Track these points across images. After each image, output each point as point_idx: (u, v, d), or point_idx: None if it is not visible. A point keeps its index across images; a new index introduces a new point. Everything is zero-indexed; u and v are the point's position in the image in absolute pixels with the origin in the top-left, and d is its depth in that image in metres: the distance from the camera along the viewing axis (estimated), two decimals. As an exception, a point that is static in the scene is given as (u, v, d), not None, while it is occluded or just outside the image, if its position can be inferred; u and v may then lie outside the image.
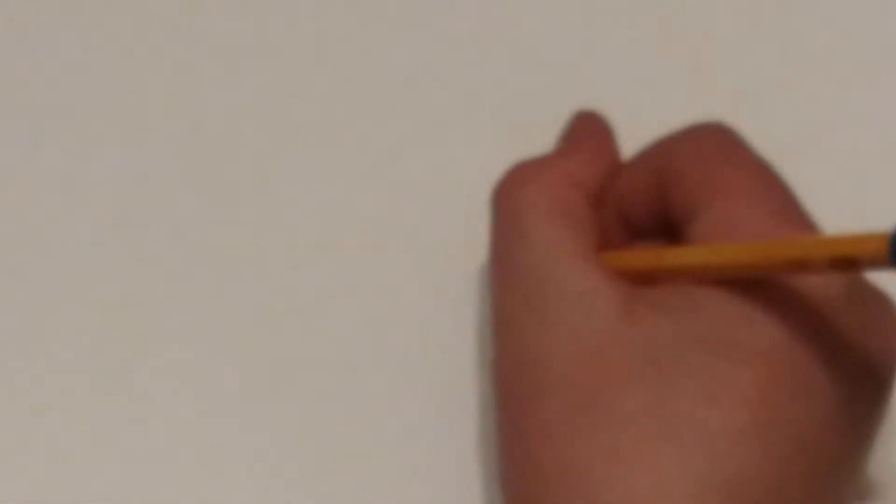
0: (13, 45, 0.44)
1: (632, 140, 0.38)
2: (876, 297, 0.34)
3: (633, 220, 0.36)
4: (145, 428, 0.39)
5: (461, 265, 0.40)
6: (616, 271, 0.34)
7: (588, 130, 0.39)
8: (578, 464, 0.32)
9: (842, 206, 0.38)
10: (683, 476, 0.31)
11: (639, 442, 0.32)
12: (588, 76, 0.43)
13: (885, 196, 0.41)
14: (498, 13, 0.44)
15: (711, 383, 0.32)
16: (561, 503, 0.32)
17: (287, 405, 0.39)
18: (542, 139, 0.39)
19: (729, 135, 0.36)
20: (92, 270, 0.41)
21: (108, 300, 0.40)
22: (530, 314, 0.34)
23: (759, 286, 0.32)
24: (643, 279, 0.34)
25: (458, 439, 0.38)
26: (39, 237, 0.41)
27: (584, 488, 0.32)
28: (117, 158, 0.43)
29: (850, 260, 0.30)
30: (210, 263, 0.41)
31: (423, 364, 0.39)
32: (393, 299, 0.40)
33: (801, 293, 0.32)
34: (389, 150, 0.42)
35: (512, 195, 0.36)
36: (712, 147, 0.35)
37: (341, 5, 0.44)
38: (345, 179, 0.42)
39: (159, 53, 0.44)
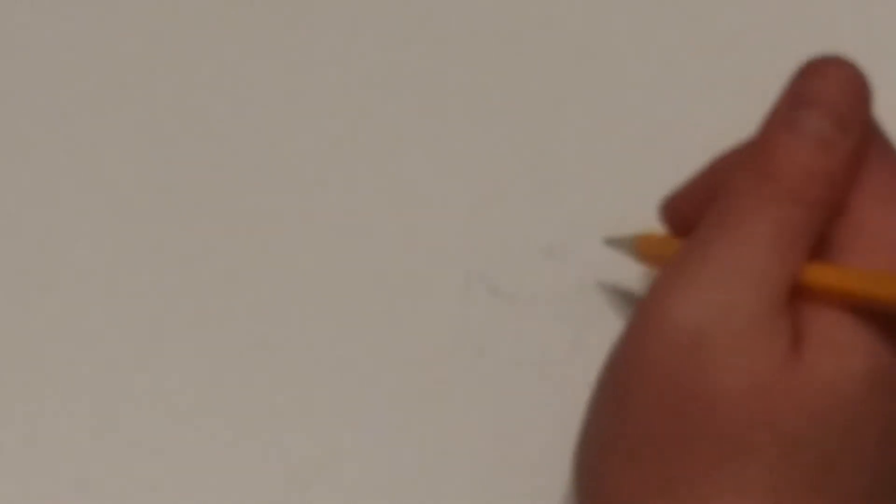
0: (13, 44, 0.44)
1: (635, 142, 0.38)
2: None
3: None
4: (147, 426, 0.39)
5: (461, 265, 0.40)
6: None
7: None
8: None
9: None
10: None
11: None
12: (588, 76, 0.43)
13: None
14: (498, 13, 0.45)
15: None
16: None
17: (287, 404, 0.39)
18: (542, 139, 0.39)
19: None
20: (95, 269, 0.41)
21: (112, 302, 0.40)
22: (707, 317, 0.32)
23: None
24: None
25: (457, 439, 0.38)
26: (39, 237, 0.41)
27: None
28: (123, 157, 0.43)
29: None
30: (210, 264, 0.41)
31: (424, 363, 0.39)
32: (393, 299, 0.41)
33: None
34: (388, 150, 0.42)
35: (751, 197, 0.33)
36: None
37: (342, 5, 0.44)
38: (344, 178, 0.42)
39: (160, 55, 0.44)
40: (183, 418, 0.39)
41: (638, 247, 0.37)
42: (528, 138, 0.40)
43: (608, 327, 0.37)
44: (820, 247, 0.33)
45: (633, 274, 0.40)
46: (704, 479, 0.31)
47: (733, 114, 0.42)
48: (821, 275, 0.32)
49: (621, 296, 0.40)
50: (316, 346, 0.40)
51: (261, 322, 0.40)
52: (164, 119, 0.43)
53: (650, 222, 0.38)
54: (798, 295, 0.32)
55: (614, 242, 0.38)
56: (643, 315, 0.33)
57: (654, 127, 0.38)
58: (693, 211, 0.34)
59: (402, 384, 0.39)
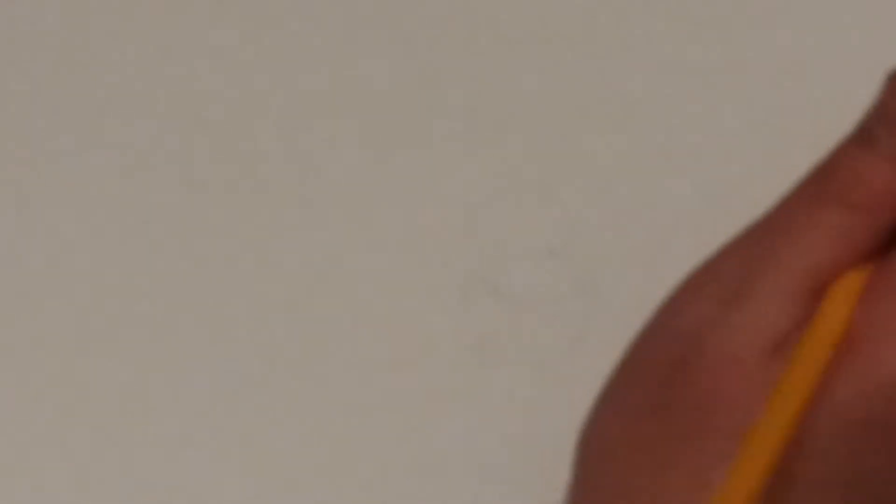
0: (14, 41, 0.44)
1: (635, 143, 0.38)
2: None
3: None
4: (146, 424, 0.39)
5: (461, 265, 0.40)
6: None
7: None
8: None
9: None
10: None
11: None
12: (589, 76, 0.43)
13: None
14: (498, 13, 0.45)
15: None
16: None
17: (285, 405, 0.39)
18: (542, 139, 0.39)
19: None
20: (92, 267, 0.41)
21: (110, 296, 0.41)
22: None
23: None
24: None
25: (457, 439, 0.38)
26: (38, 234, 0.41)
27: None
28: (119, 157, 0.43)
29: None
30: (210, 266, 0.41)
31: (424, 364, 0.39)
32: (393, 299, 0.40)
33: None
34: (388, 150, 0.42)
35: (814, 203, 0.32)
36: None
37: (343, 4, 0.45)
38: (344, 178, 0.42)
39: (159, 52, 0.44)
40: (179, 419, 0.39)
41: None
42: (529, 138, 0.40)
43: (608, 327, 0.37)
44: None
45: (633, 273, 0.40)
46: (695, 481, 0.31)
47: (734, 114, 0.42)
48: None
49: (621, 296, 0.40)
50: (315, 346, 0.40)
51: (260, 323, 0.40)
52: (167, 125, 0.43)
53: (650, 222, 0.38)
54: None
55: None
56: (657, 310, 0.33)
57: (655, 127, 0.38)
58: None
59: (402, 384, 0.39)
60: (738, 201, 0.36)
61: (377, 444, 0.39)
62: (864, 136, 0.33)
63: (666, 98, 0.43)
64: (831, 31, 0.43)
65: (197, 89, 0.44)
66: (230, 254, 0.41)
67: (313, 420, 0.39)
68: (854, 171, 0.32)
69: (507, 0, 0.44)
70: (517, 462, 0.38)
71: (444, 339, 0.39)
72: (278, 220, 0.41)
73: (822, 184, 0.32)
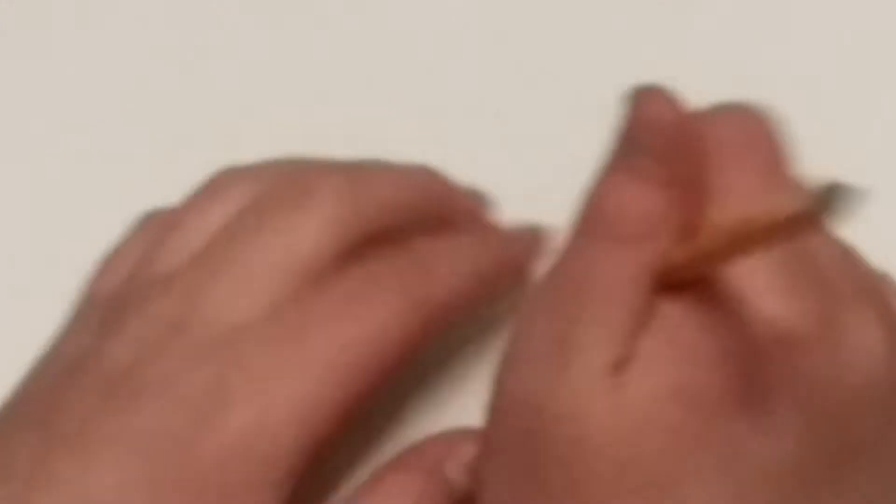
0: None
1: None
2: None
3: None
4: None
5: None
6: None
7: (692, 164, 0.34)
8: None
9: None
10: None
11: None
12: (590, 76, 0.43)
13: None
14: (499, 13, 0.45)
15: None
16: None
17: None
18: (543, 139, 0.39)
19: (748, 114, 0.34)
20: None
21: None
22: (553, 346, 0.33)
23: None
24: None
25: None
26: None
27: None
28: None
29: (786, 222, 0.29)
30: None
31: (425, 364, 0.40)
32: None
33: None
34: (388, 150, 0.43)
35: (605, 240, 0.33)
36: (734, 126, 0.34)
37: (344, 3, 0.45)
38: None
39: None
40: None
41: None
42: (529, 138, 0.40)
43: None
44: None
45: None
46: None
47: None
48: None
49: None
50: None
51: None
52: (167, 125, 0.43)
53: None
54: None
55: None
56: (495, 390, 0.34)
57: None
58: None
59: (402, 385, 0.39)
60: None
61: (377, 444, 0.39)
62: (629, 166, 0.33)
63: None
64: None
65: (197, 87, 0.44)
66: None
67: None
68: (621, 204, 0.33)
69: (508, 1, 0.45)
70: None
71: (444, 339, 0.39)
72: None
73: (594, 221, 0.33)
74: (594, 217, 0.34)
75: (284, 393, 0.35)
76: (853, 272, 0.33)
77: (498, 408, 0.33)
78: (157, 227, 0.39)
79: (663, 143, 0.33)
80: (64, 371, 0.36)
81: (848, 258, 0.34)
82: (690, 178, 0.33)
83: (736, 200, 0.33)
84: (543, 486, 0.32)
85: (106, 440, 0.34)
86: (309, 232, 0.36)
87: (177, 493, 0.34)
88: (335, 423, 0.35)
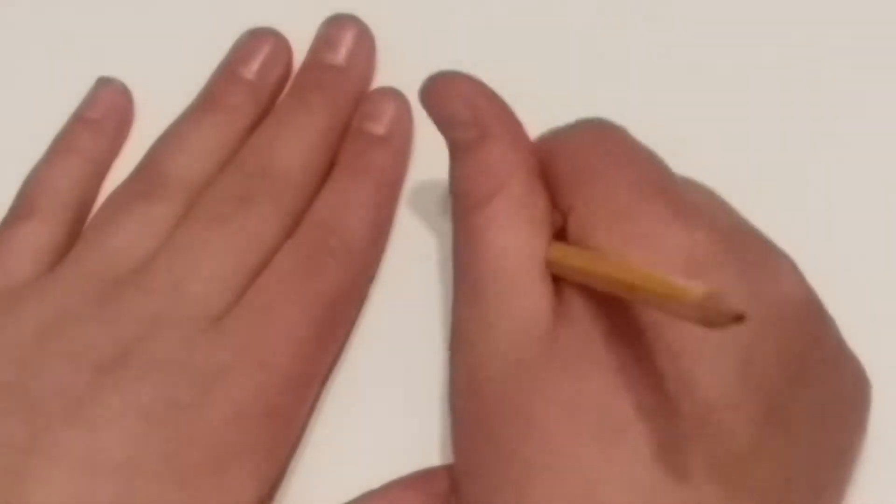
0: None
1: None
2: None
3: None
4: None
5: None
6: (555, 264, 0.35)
7: (497, 109, 0.38)
8: (508, 470, 0.33)
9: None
10: (607, 469, 0.32)
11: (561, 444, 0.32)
12: (591, 77, 0.43)
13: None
14: (501, 12, 0.45)
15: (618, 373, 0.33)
16: None
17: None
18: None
19: (606, 128, 0.36)
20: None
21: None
22: (480, 325, 0.35)
23: None
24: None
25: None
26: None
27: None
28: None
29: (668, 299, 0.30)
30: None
31: (424, 364, 0.39)
32: (394, 299, 0.41)
33: None
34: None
35: (476, 212, 0.36)
36: (587, 141, 0.36)
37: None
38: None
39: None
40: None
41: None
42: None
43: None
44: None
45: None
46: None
47: (735, 115, 0.42)
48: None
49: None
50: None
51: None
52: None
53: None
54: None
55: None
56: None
57: (656, 127, 0.39)
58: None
59: (402, 385, 0.39)
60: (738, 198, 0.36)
61: (377, 444, 0.38)
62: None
63: (669, 98, 0.43)
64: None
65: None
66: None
67: (314, 418, 0.39)
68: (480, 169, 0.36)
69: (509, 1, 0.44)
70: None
71: (444, 339, 0.39)
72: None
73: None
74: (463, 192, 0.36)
75: (276, 360, 0.37)
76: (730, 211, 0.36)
77: (453, 394, 0.36)
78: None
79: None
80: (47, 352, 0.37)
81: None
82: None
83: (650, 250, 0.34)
84: (501, 447, 0.33)
85: (111, 413, 0.35)
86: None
87: (190, 451, 0.35)
88: (322, 370, 0.39)
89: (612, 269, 0.33)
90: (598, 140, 0.36)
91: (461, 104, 0.37)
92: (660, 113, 0.41)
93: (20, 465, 0.35)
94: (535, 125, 0.37)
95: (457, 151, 0.37)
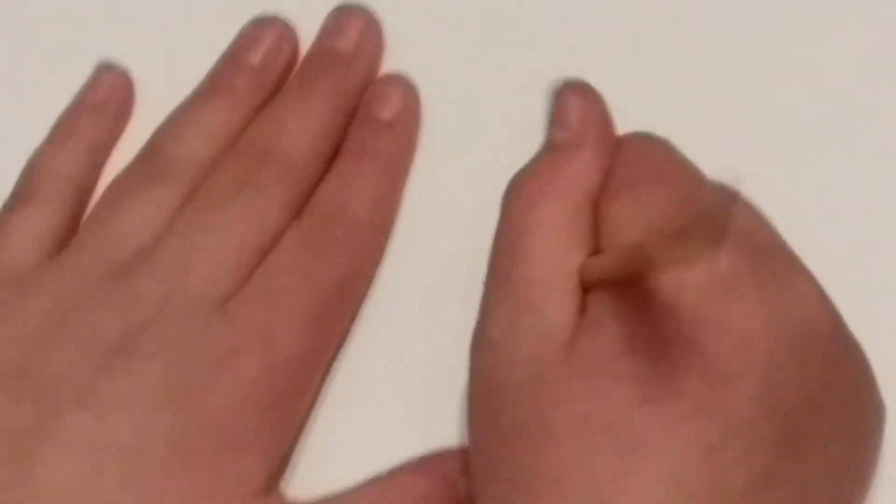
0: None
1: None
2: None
3: None
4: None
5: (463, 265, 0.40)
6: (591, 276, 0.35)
7: (591, 117, 0.39)
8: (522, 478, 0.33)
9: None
10: (619, 481, 0.32)
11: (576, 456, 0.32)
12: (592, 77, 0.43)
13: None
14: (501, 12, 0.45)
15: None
16: None
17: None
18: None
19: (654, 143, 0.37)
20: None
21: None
22: (504, 326, 0.35)
23: None
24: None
25: (459, 439, 0.38)
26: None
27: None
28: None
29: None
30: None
31: (425, 364, 0.39)
32: (394, 299, 0.41)
33: None
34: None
35: (527, 212, 0.36)
36: (638, 152, 0.37)
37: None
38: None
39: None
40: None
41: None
42: (529, 140, 0.40)
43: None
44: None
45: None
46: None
47: (735, 115, 0.42)
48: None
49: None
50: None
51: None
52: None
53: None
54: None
55: None
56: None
57: (656, 127, 0.39)
58: None
59: (402, 385, 0.39)
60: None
61: (378, 444, 0.38)
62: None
63: (669, 98, 0.43)
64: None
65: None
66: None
67: (315, 418, 0.39)
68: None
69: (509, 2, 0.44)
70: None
71: (445, 340, 0.39)
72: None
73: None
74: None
75: (283, 343, 0.37)
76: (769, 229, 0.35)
77: (470, 390, 0.36)
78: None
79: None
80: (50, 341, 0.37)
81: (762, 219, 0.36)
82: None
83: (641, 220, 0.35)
84: (513, 454, 0.33)
85: (118, 397, 0.35)
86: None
87: (197, 434, 0.35)
88: (328, 352, 0.39)
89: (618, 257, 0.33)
90: (647, 153, 0.37)
91: (577, 110, 0.39)
92: (660, 113, 0.41)
93: (28, 449, 0.35)
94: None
95: (547, 145, 0.38)
